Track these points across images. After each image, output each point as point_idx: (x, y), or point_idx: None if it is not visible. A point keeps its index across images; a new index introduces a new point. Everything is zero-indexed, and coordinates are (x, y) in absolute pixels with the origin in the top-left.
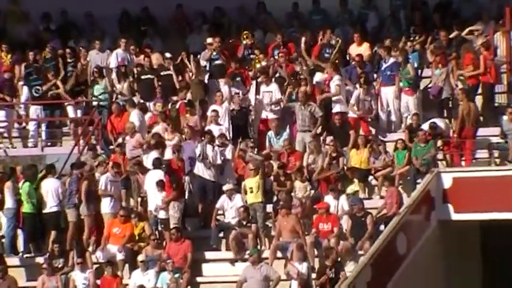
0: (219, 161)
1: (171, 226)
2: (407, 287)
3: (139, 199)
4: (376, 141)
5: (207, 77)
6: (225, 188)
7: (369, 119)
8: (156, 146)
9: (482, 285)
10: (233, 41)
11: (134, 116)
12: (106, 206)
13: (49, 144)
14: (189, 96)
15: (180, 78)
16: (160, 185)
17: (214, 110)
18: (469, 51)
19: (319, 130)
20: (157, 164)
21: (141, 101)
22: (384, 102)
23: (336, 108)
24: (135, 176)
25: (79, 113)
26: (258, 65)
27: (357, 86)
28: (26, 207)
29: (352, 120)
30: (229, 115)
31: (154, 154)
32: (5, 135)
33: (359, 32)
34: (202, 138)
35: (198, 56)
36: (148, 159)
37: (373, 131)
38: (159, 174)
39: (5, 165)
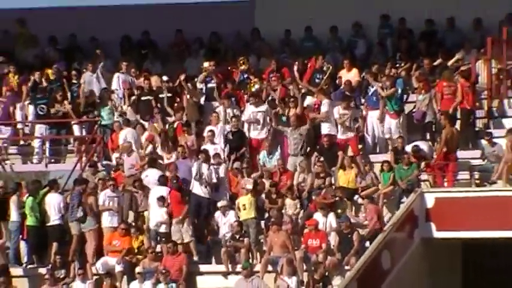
0: (214, 180)
1: (186, 241)
2: None
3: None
4: (363, 162)
5: (203, 99)
6: (219, 204)
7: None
8: (151, 164)
9: None
10: (230, 65)
11: (129, 134)
12: (106, 220)
13: (53, 161)
14: (185, 117)
15: (178, 99)
16: (162, 200)
17: (210, 130)
18: (444, 79)
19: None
20: (163, 181)
21: (141, 120)
22: (369, 125)
23: (324, 130)
24: (129, 193)
25: (84, 131)
26: (253, 88)
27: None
28: (30, 220)
29: (341, 141)
30: (224, 135)
31: (153, 172)
32: (11, 151)
33: (348, 58)
34: (198, 157)
35: (195, 79)
36: (148, 177)
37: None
38: (162, 191)
39: (10, 180)
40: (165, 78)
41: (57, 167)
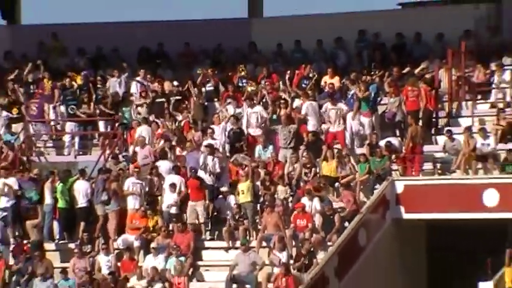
0: (217, 169)
1: (201, 221)
2: (367, 271)
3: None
4: (343, 155)
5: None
6: (221, 190)
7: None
8: (163, 156)
9: (427, 268)
10: (230, 72)
11: (144, 130)
12: (130, 203)
13: (81, 153)
14: (192, 116)
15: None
16: (173, 186)
17: (210, 128)
18: (409, 85)
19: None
20: (177, 170)
21: (155, 119)
22: (348, 123)
23: (309, 127)
24: (147, 180)
25: (109, 128)
26: (249, 88)
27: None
28: (61, 203)
29: (331, 134)
30: (228, 132)
31: (165, 163)
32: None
33: (331, 67)
34: (203, 150)
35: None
36: (160, 167)
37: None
38: (174, 178)
39: (45, 169)
40: (175, 83)
41: (84, 158)
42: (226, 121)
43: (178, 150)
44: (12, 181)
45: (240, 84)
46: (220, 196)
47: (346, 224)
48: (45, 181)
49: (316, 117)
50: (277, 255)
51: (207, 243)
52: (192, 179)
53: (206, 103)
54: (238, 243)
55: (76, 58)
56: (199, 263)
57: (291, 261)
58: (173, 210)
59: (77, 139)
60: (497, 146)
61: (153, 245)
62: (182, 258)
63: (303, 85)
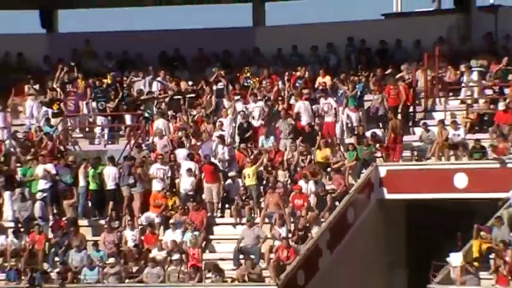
0: (226, 157)
1: (215, 201)
2: (354, 244)
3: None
4: (334, 144)
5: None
6: (230, 174)
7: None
8: (180, 145)
9: (406, 241)
10: (237, 73)
11: (161, 123)
12: (155, 185)
13: (109, 142)
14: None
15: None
16: (190, 171)
17: (220, 121)
18: (390, 84)
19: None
20: (191, 157)
21: (173, 113)
22: (339, 117)
23: (303, 121)
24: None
25: (133, 121)
26: (254, 83)
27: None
28: (92, 186)
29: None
30: (232, 125)
31: (182, 151)
32: (80, 135)
33: (323, 68)
34: (214, 140)
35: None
36: (178, 154)
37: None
38: (190, 164)
39: (79, 157)
40: (190, 83)
41: (112, 147)
42: (236, 116)
43: (193, 141)
44: (50, 167)
45: (246, 84)
46: (229, 180)
47: (337, 203)
48: (79, 167)
49: (308, 114)
50: (278, 230)
51: (217, 220)
52: (207, 164)
53: (217, 100)
54: (244, 220)
55: (105, 61)
56: (211, 236)
57: (290, 235)
58: (189, 192)
59: (106, 131)
60: (466, 136)
61: (171, 221)
62: (196, 233)
63: (297, 84)
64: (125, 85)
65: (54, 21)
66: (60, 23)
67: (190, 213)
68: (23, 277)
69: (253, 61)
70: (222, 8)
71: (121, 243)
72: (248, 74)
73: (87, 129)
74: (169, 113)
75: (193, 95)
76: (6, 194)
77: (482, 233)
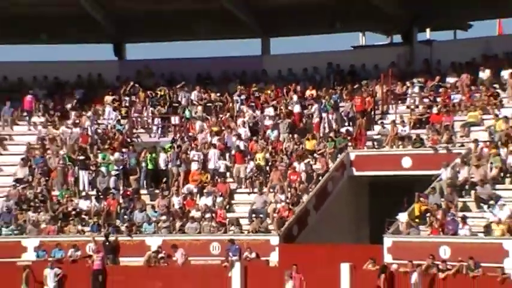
0: (242, 147)
1: (241, 176)
2: (331, 207)
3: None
4: (319, 137)
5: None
6: (247, 158)
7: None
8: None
9: (369, 206)
10: (250, 87)
11: (198, 123)
12: (194, 166)
13: (162, 136)
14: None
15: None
16: (217, 155)
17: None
18: (356, 95)
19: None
20: (220, 146)
21: (206, 116)
22: (322, 118)
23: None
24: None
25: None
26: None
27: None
28: (150, 166)
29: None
30: (247, 125)
31: (213, 142)
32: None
33: (311, 84)
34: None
35: (233, 95)
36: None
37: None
38: (217, 152)
39: (140, 147)
40: (218, 94)
41: (164, 139)
42: (248, 118)
43: (222, 135)
44: (120, 153)
45: (256, 95)
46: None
47: (320, 178)
48: (141, 153)
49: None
50: (279, 196)
51: (237, 190)
52: (238, 152)
53: (236, 106)
54: (256, 189)
55: (159, 79)
56: (233, 201)
57: (288, 200)
58: (220, 169)
59: (159, 128)
60: (410, 131)
61: (205, 190)
62: (222, 199)
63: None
64: (172, 96)
65: (123, 51)
66: (127, 53)
67: (218, 184)
68: (102, 229)
69: (261, 79)
70: (240, 41)
71: (170, 206)
72: (257, 89)
73: (146, 126)
74: (204, 115)
75: (220, 103)
76: (83, 173)
77: (421, 199)
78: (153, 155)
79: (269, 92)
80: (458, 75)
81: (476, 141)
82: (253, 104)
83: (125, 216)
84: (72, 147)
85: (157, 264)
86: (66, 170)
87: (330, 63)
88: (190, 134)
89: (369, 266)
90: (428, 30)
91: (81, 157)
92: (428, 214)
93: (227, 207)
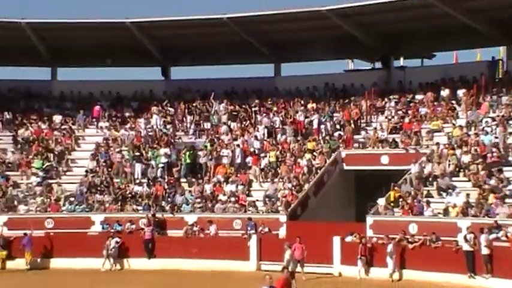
0: (258, 146)
1: (262, 167)
2: (327, 193)
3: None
4: (318, 139)
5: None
6: (262, 155)
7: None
8: (236, 139)
9: (355, 194)
10: (265, 101)
11: (225, 127)
12: (223, 160)
13: (197, 137)
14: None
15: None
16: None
17: (257, 127)
18: (348, 108)
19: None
20: (242, 145)
21: (232, 122)
22: (321, 126)
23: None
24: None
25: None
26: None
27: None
28: (188, 161)
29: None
30: (262, 130)
31: (237, 142)
32: (181, 134)
33: (312, 99)
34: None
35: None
36: (235, 144)
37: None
38: (240, 151)
39: (181, 145)
40: (240, 106)
41: (198, 140)
42: (264, 124)
43: (243, 137)
44: (166, 150)
45: (268, 107)
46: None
47: (319, 171)
48: (181, 150)
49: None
50: (287, 185)
51: (254, 179)
52: (254, 155)
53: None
54: (269, 180)
55: (195, 94)
56: (251, 188)
57: (293, 188)
58: (239, 163)
59: (195, 131)
60: (388, 136)
61: (230, 179)
62: (243, 186)
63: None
64: (205, 107)
65: (168, 73)
66: (171, 74)
67: (240, 175)
68: (151, 208)
69: (274, 95)
70: (258, 66)
71: (203, 191)
72: (270, 102)
73: (185, 130)
74: (229, 122)
75: (243, 113)
76: (137, 165)
77: (395, 188)
78: (190, 152)
79: (279, 104)
80: (425, 93)
81: (438, 144)
82: (267, 113)
83: (169, 199)
84: (129, 145)
85: (192, 235)
86: (124, 163)
87: (327, 83)
88: (218, 136)
89: (354, 238)
90: (402, 58)
91: (136, 153)
92: (400, 199)
93: (247, 192)
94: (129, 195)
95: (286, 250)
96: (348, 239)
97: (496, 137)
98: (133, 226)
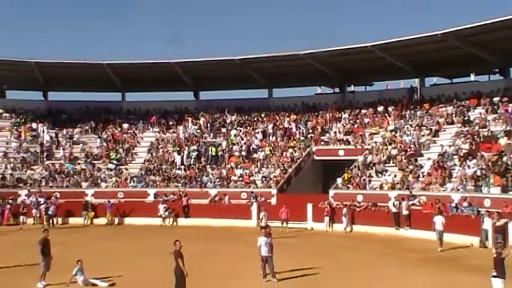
0: (258, 144)
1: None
2: (304, 175)
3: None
4: (297, 139)
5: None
6: (259, 150)
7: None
8: (245, 142)
9: (322, 174)
10: (260, 115)
11: (234, 132)
12: (236, 153)
13: (216, 138)
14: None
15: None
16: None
17: (263, 132)
18: (316, 119)
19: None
20: (245, 143)
21: (240, 129)
22: (298, 130)
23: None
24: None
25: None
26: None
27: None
28: (211, 153)
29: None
30: (259, 133)
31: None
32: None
33: (294, 113)
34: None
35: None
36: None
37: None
38: (245, 146)
39: (206, 144)
40: (246, 117)
41: (216, 140)
42: (260, 130)
43: (247, 138)
44: (194, 147)
45: (264, 118)
46: None
47: (298, 160)
48: (207, 147)
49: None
50: (277, 170)
51: (255, 167)
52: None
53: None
54: (264, 166)
55: (216, 110)
56: (253, 172)
57: (281, 171)
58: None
59: (215, 134)
60: (343, 136)
61: (239, 166)
62: (247, 170)
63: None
64: (222, 118)
65: (198, 95)
66: (200, 96)
67: (246, 163)
68: (187, 185)
69: (268, 110)
70: (256, 90)
71: (221, 174)
72: (265, 115)
73: (208, 133)
74: (238, 127)
75: (247, 122)
76: (177, 156)
77: (348, 171)
78: (213, 147)
79: (271, 116)
80: (367, 109)
81: (376, 142)
82: (263, 122)
83: (198, 179)
84: (173, 143)
85: (214, 203)
86: (168, 155)
87: (303, 102)
88: (230, 137)
89: (323, 204)
90: (352, 86)
91: (177, 148)
92: (352, 178)
93: (250, 174)
94: (172, 176)
95: (262, 218)
96: (320, 205)
97: (413, 138)
98: (175, 197)
